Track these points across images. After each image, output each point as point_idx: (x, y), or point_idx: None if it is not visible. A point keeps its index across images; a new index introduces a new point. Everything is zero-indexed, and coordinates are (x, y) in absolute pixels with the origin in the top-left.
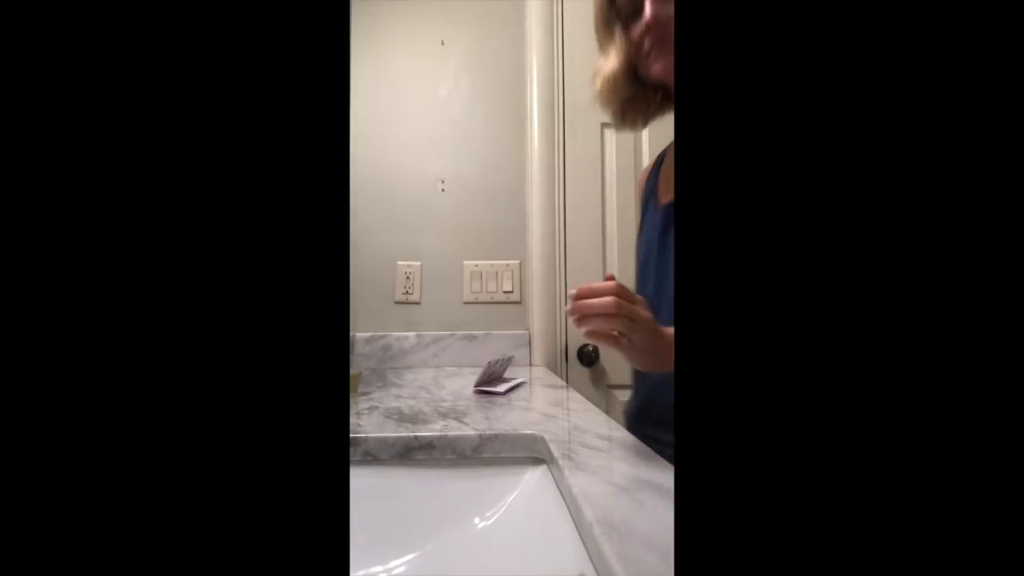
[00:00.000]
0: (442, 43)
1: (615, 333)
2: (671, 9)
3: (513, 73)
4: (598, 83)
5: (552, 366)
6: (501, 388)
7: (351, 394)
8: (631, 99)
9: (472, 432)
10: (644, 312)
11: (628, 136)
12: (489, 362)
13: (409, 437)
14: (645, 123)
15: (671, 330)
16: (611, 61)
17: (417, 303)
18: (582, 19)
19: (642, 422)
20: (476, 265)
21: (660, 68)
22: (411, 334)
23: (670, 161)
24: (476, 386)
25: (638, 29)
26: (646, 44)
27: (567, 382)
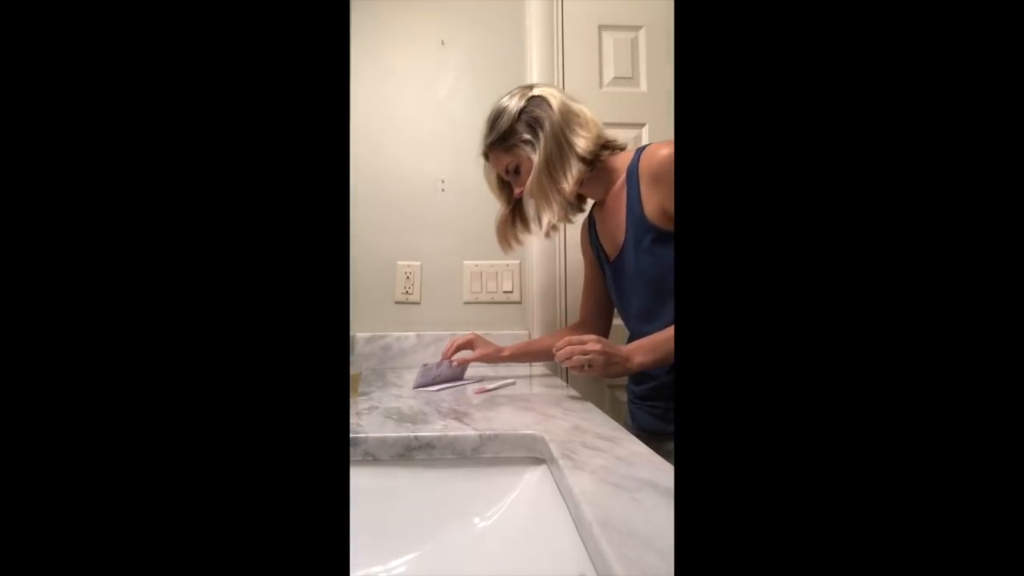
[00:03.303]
0: (442, 43)
1: (581, 365)
2: (520, 179)
3: (513, 73)
4: (497, 222)
5: (552, 366)
6: (437, 386)
7: (351, 394)
8: (512, 227)
9: (472, 432)
10: (594, 345)
11: (628, 136)
12: (425, 365)
13: (409, 437)
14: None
15: (623, 347)
16: (503, 208)
17: (417, 303)
18: (582, 19)
19: (651, 399)
20: (476, 265)
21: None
22: (411, 334)
23: (600, 223)
24: (416, 387)
25: (516, 191)
26: (519, 196)
27: (567, 382)
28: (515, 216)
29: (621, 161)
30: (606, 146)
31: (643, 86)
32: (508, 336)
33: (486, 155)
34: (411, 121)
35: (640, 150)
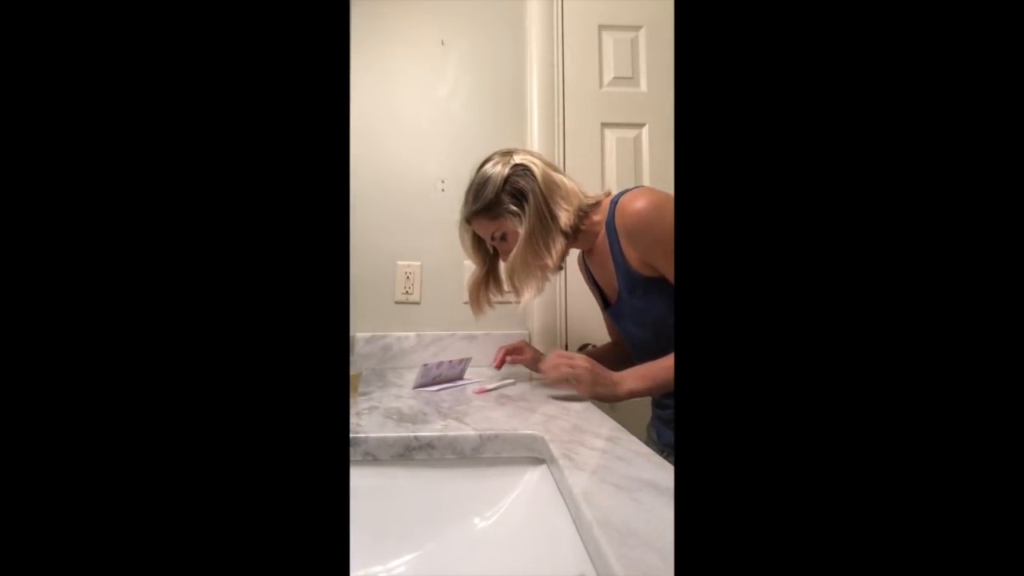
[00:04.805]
0: (442, 43)
1: (565, 377)
2: (509, 246)
3: (513, 73)
4: (470, 283)
5: None
6: (438, 386)
7: (351, 394)
8: (485, 290)
9: (472, 432)
10: (582, 362)
11: (628, 136)
12: (425, 365)
13: (409, 437)
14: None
15: (616, 372)
16: (478, 270)
17: (417, 303)
18: (582, 19)
19: (672, 420)
20: None
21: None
22: (411, 334)
23: (593, 268)
24: (415, 387)
25: (504, 257)
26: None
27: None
28: (489, 279)
29: (600, 213)
30: (587, 213)
31: (643, 86)
32: (508, 336)
33: (468, 221)
34: (411, 121)
35: (614, 203)
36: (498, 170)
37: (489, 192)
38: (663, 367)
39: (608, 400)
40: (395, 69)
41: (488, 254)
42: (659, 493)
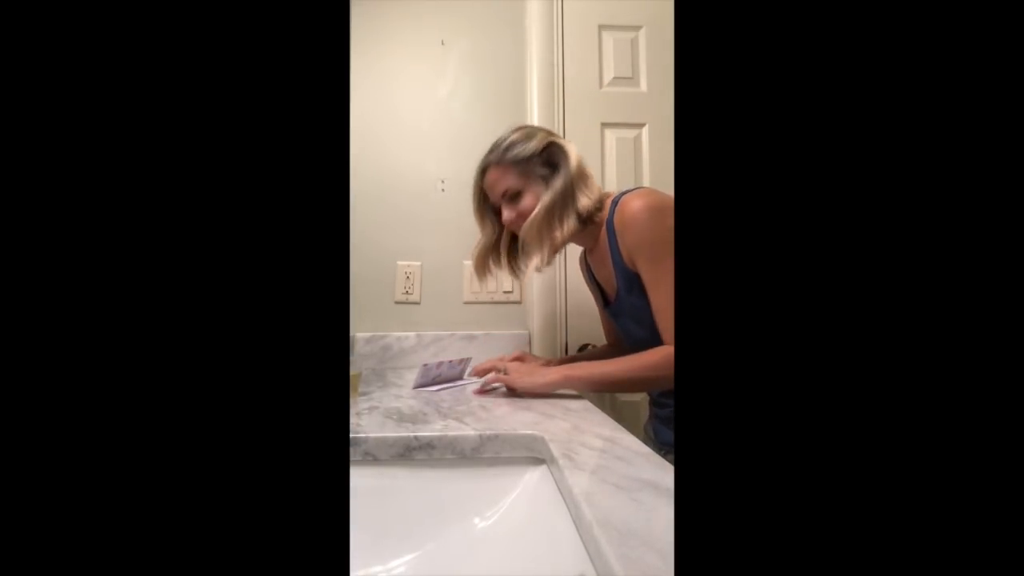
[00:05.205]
0: (442, 43)
1: (498, 375)
2: (519, 207)
3: (513, 73)
4: (477, 250)
5: None
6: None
7: (351, 394)
8: (493, 256)
9: (472, 432)
10: (511, 362)
11: (628, 136)
12: (425, 365)
13: (409, 437)
14: (505, 264)
15: (549, 368)
16: (485, 236)
17: (417, 303)
18: (582, 19)
19: (671, 419)
20: None
21: (515, 230)
22: (411, 334)
23: (594, 267)
24: (415, 387)
25: (505, 214)
26: (508, 222)
27: None
28: (497, 248)
29: (604, 213)
30: (599, 209)
31: (643, 86)
32: (508, 336)
33: (484, 170)
34: (411, 121)
35: (615, 203)
36: (537, 140)
37: (525, 151)
38: (611, 367)
39: (538, 388)
40: (395, 69)
41: (493, 224)
42: (659, 493)
